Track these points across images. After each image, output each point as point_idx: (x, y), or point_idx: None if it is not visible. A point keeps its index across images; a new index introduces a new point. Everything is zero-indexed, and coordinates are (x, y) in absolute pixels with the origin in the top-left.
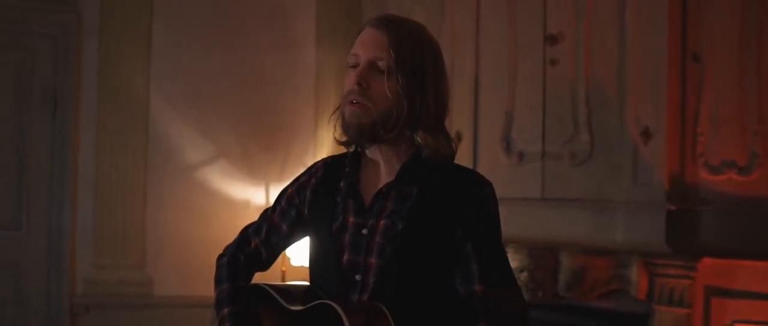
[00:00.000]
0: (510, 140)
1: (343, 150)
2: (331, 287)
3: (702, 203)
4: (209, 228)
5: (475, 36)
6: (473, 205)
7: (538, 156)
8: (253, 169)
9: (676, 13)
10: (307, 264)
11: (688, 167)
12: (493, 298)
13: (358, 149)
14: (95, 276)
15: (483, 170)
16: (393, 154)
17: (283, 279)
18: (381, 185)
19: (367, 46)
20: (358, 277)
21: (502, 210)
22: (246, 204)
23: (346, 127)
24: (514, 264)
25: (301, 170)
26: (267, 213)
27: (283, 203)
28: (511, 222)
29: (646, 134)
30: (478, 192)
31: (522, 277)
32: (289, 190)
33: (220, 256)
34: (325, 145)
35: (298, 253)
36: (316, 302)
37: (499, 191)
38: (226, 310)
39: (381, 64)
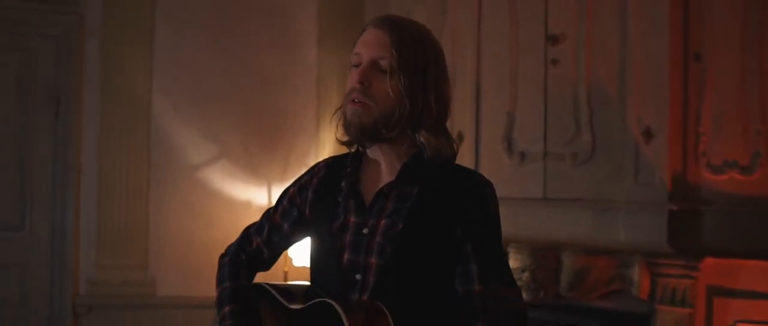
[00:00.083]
0: (511, 140)
1: (345, 150)
2: (332, 286)
3: (704, 203)
4: (211, 228)
5: (477, 36)
6: (474, 205)
7: (539, 156)
8: (255, 169)
9: (678, 13)
10: (308, 264)
11: (690, 167)
12: (492, 298)
13: (360, 149)
14: (98, 277)
15: (485, 170)
16: (394, 154)
17: (286, 280)
18: (382, 185)
19: (370, 45)
20: (358, 277)
21: (504, 211)
22: (248, 205)
23: (347, 126)
24: (515, 264)
25: (303, 170)
26: (269, 213)
27: (285, 203)
28: (513, 223)
29: (648, 134)
30: (478, 192)
31: (523, 277)
32: (291, 190)
33: (222, 256)
34: (326, 145)
35: (301, 254)
36: (315, 300)
37: (501, 191)
38: (227, 308)
39: (383, 63)
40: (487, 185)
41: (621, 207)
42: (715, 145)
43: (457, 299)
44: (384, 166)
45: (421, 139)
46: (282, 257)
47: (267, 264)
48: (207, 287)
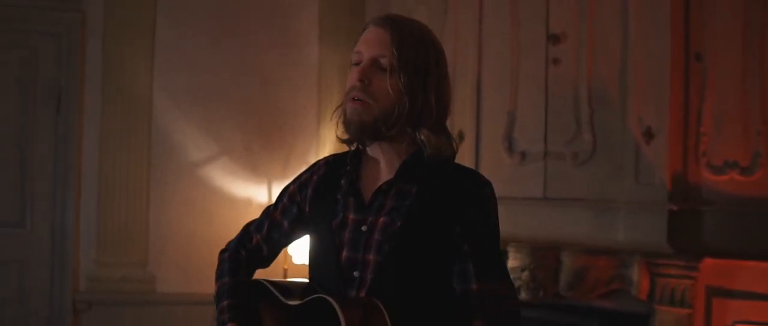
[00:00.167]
0: (512, 140)
1: (346, 148)
2: (330, 283)
3: (704, 203)
4: (211, 225)
5: (478, 35)
6: (472, 204)
7: (540, 155)
8: (255, 167)
9: (679, 14)
10: (308, 261)
11: (690, 167)
12: (488, 296)
13: (360, 147)
14: (98, 274)
15: (485, 169)
16: (394, 152)
17: (285, 277)
18: (381, 183)
19: (371, 43)
20: (356, 274)
21: (504, 210)
22: (248, 202)
23: (347, 124)
24: (515, 263)
25: (304, 168)
26: (269, 210)
27: (285, 200)
28: (513, 222)
29: (649, 134)
30: (477, 191)
31: (523, 276)
32: (291, 188)
33: (222, 251)
34: (327, 143)
35: (301, 251)
36: (312, 297)
37: (501, 191)
38: (225, 303)
39: (384, 61)
40: (487, 184)
41: (621, 207)
42: (716, 146)
43: (454, 297)
44: (383, 164)
45: (421, 138)
46: (282, 254)
47: (266, 261)
48: (207, 284)
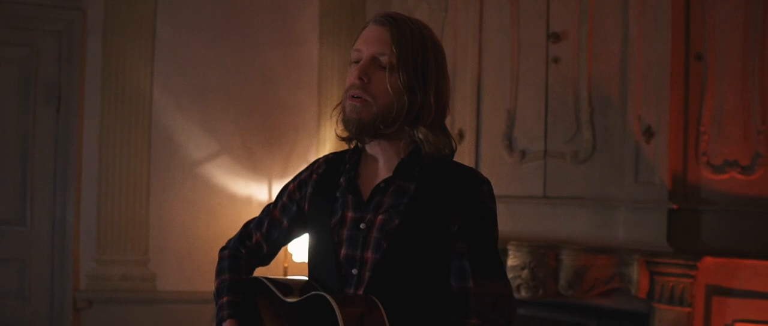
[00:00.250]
0: (512, 138)
1: (346, 146)
2: (329, 281)
3: (704, 202)
4: (212, 224)
5: (478, 34)
6: (470, 202)
7: (540, 154)
8: (255, 165)
9: (679, 13)
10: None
11: (690, 166)
12: (484, 294)
13: (359, 145)
14: (98, 272)
15: (485, 168)
16: (393, 150)
17: (285, 275)
18: (379, 181)
19: (370, 42)
20: (354, 271)
21: (504, 208)
22: (248, 201)
23: (346, 122)
24: (515, 261)
25: (304, 166)
26: (269, 209)
27: (284, 198)
28: (513, 220)
29: (649, 133)
30: (476, 189)
31: (523, 275)
32: (291, 186)
33: (223, 249)
34: (327, 142)
35: (301, 249)
36: (310, 294)
37: (501, 189)
38: (225, 299)
39: (383, 59)
40: (485, 182)
41: (621, 205)
42: (716, 145)
43: (452, 295)
44: (382, 162)
45: (420, 136)
46: (282, 252)
47: (266, 259)
48: (207, 282)
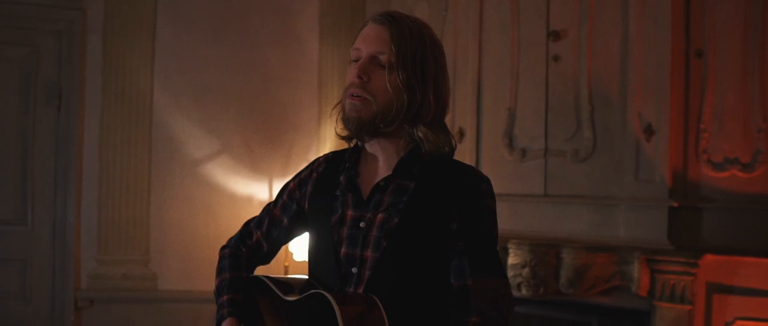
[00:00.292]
0: (512, 136)
1: (346, 145)
2: (329, 280)
3: (704, 200)
4: (212, 223)
5: (478, 32)
6: (469, 200)
7: (540, 152)
8: (256, 165)
9: (679, 10)
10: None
11: (690, 164)
12: (483, 292)
13: (359, 144)
14: (99, 271)
15: (485, 166)
16: (392, 149)
17: (286, 274)
18: (379, 179)
19: (369, 40)
20: (354, 270)
21: (505, 207)
22: (249, 200)
23: (346, 121)
24: (516, 260)
25: (304, 165)
26: (269, 208)
27: (284, 197)
28: (514, 219)
29: (649, 131)
30: (475, 187)
31: (524, 273)
32: (291, 185)
33: (223, 247)
34: (327, 141)
35: (302, 248)
36: (309, 292)
37: (502, 188)
38: (225, 297)
39: (382, 58)
40: (484, 181)
41: (621, 203)
42: (716, 143)
43: (451, 293)
44: (382, 161)
45: (419, 134)
46: (283, 251)
47: (267, 257)
48: (208, 281)
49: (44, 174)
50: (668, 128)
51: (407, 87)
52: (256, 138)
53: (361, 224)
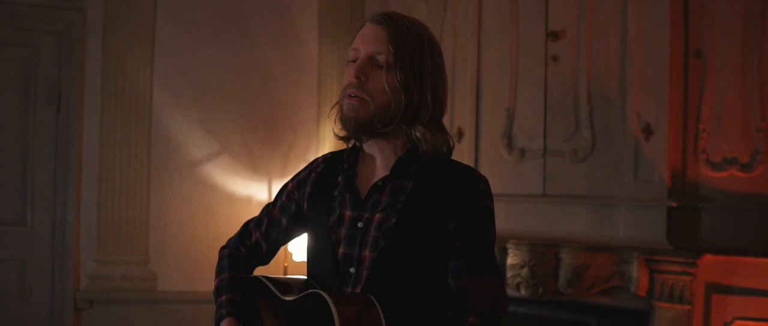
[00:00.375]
0: (511, 137)
1: (345, 145)
2: (327, 280)
3: (703, 200)
4: (212, 223)
5: (477, 32)
6: (467, 200)
7: (539, 152)
8: (255, 165)
9: (678, 10)
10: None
11: (689, 164)
12: (481, 292)
13: (357, 144)
14: (99, 272)
15: (484, 166)
16: (390, 149)
17: (285, 274)
18: (377, 179)
19: (367, 40)
20: (352, 270)
21: (504, 207)
22: (248, 200)
23: (344, 121)
24: (515, 260)
25: (303, 166)
26: (268, 208)
27: (283, 198)
28: (513, 219)
29: (648, 131)
30: (473, 187)
31: (523, 273)
32: (290, 185)
33: (223, 248)
34: (327, 141)
35: (301, 249)
36: (307, 291)
37: (501, 188)
38: (224, 297)
39: (380, 58)
40: (482, 180)
41: (620, 203)
42: (715, 142)
43: (449, 293)
44: (380, 161)
45: (417, 134)
46: (282, 252)
47: (266, 258)
48: (207, 282)
49: (44, 175)
50: (667, 128)
51: (405, 87)
52: (255, 138)
53: (359, 224)
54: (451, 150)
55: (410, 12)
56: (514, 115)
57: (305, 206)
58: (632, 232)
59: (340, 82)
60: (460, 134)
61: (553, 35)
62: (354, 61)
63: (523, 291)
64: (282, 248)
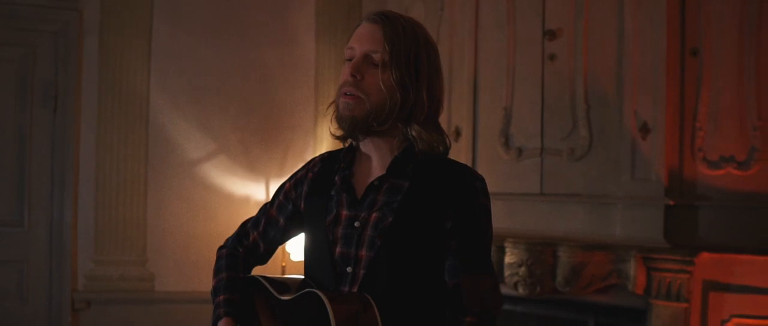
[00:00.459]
0: (509, 135)
1: (342, 145)
2: (324, 279)
3: (700, 198)
4: (209, 223)
5: (474, 31)
6: (463, 199)
7: (536, 151)
8: (253, 165)
9: (675, 9)
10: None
11: (686, 162)
12: (477, 291)
13: (353, 143)
14: (96, 272)
15: (482, 165)
16: (386, 148)
17: (283, 274)
18: (373, 178)
19: (363, 39)
20: (349, 269)
21: (501, 206)
22: (246, 200)
23: (339, 119)
24: (512, 259)
25: (301, 165)
26: (266, 208)
27: (280, 197)
28: (510, 218)
29: (645, 129)
30: (469, 186)
31: (520, 272)
32: (287, 185)
33: (221, 248)
34: (324, 141)
35: (298, 248)
36: (303, 291)
37: (498, 186)
38: (221, 297)
39: (376, 57)
40: (478, 179)
41: (617, 202)
42: (712, 141)
43: (446, 292)
44: (376, 160)
45: (413, 133)
46: (280, 251)
47: (263, 258)
48: (205, 282)
49: (41, 175)
50: (664, 126)
51: (400, 85)
52: (253, 138)
53: (356, 223)
54: (447, 149)
55: (407, 11)
56: (511, 114)
57: (302, 206)
58: (629, 231)
59: (337, 82)
60: (458, 133)
61: (550, 34)
62: (350, 60)
63: (520, 290)
64: (280, 248)
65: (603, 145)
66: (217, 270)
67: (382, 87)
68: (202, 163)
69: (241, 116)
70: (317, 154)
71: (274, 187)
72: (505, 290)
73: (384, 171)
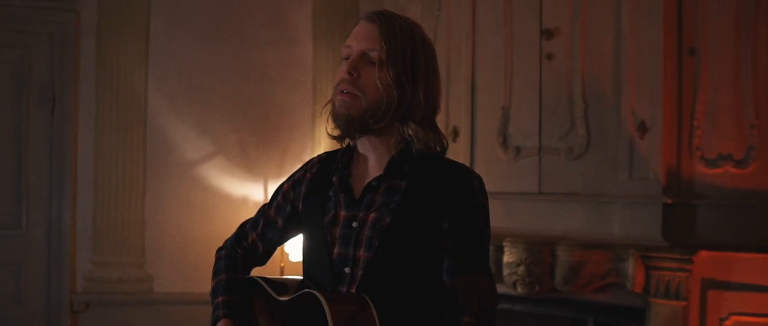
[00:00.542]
0: (507, 135)
1: (340, 146)
2: (322, 280)
3: (698, 196)
4: (208, 225)
5: (472, 31)
6: (461, 199)
7: (534, 150)
8: (251, 166)
9: (672, 7)
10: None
11: (684, 161)
12: (475, 291)
13: (351, 144)
14: (95, 274)
15: (480, 165)
16: (383, 148)
17: (282, 275)
18: (371, 178)
19: (360, 37)
20: (347, 270)
21: (499, 205)
22: (244, 201)
23: (335, 118)
24: (511, 258)
25: (299, 166)
26: (264, 209)
27: (279, 198)
28: (508, 217)
29: (643, 128)
30: (466, 186)
31: (519, 271)
32: (285, 186)
33: (219, 249)
34: (322, 141)
35: (297, 249)
36: (301, 291)
37: (497, 186)
38: (220, 299)
39: (373, 55)
40: (476, 178)
41: (616, 201)
42: (710, 139)
43: (444, 292)
44: (373, 160)
45: (409, 132)
46: (279, 252)
47: (262, 259)
48: (204, 283)
49: (39, 177)
50: (662, 125)
51: (397, 84)
52: (251, 139)
53: (354, 224)
54: (444, 148)
55: (404, 11)
56: (509, 114)
57: (300, 206)
58: (628, 229)
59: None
60: (456, 133)
61: (548, 33)
62: (347, 58)
63: (519, 289)
64: (278, 248)
65: (601, 144)
66: (215, 272)
67: (379, 85)
68: (200, 164)
69: (239, 117)
70: (315, 155)
71: (272, 188)
72: (503, 289)
73: (381, 171)
